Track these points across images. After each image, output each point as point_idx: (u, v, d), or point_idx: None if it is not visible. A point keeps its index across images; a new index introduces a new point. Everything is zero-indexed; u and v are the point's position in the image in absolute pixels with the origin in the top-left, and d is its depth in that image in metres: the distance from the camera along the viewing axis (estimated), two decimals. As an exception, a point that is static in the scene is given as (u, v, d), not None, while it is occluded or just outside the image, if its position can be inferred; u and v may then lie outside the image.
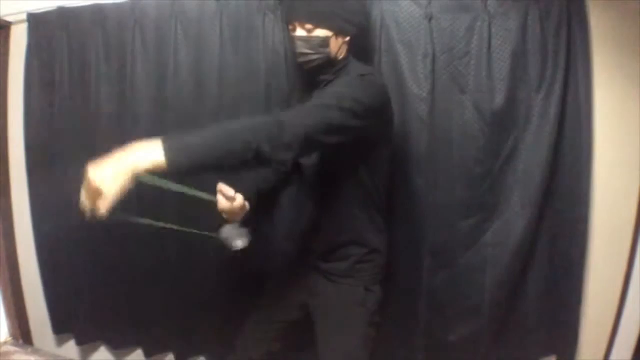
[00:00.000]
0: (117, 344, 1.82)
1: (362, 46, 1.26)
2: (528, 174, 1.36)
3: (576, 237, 1.39)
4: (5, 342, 1.86)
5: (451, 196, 1.40)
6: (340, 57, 1.16)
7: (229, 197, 1.08)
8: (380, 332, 1.21)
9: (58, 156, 1.68)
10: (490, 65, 1.33)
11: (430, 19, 1.33)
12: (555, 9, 1.30)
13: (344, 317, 1.16)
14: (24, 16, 1.66)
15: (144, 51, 1.54)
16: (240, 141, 0.85)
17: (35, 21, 1.65)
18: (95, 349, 1.90)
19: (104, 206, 0.75)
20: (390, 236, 1.25)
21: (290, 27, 1.13)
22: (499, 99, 1.34)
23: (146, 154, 0.77)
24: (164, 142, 0.78)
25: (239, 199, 1.10)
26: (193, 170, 0.82)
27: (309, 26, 1.09)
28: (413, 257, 1.44)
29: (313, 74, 1.16)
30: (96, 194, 0.74)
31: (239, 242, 1.11)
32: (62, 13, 1.61)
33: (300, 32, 1.10)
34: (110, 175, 0.75)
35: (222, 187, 1.08)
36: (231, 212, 1.10)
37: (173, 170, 0.79)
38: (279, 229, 1.50)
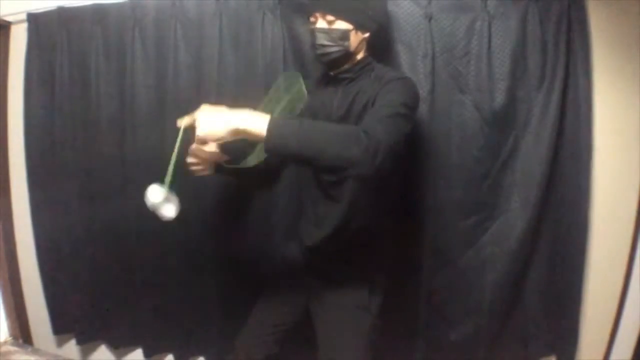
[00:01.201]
0: (117, 344, 1.82)
1: (380, 47, 1.25)
2: (528, 174, 1.36)
3: (576, 237, 1.39)
4: (5, 342, 1.85)
5: (451, 196, 1.40)
6: (359, 54, 1.15)
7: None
8: (380, 333, 1.20)
9: (58, 156, 1.67)
10: (490, 65, 1.33)
11: (430, 19, 1.34)
12: (555, 9, 1.30)
13: (347, 321, 1.15)
14: (24, 16, 1.66)
15: (144, 51, 1.54)
16: (335, 147, 0.86)
17: (35, 21, 1.65)
18: (95, 348, 1.90)
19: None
20: (390, 236, 1.25)
21: (312, 19, 1.13)
22: (499, 98, 1.34)
23: (254, 120, 0.85)
24: (271, 120, 0.85)
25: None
26: (283, 156, 0.91)
27: (330, 18, 1.09)
28: (413, 257, 1.44)
29: (330, 67, 1.16)
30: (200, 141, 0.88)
31: (167, 210, 1.01)
32: (62, 13, 1.61)
33: (321, 23, 1.10)
34: (216, 122, 0.85)
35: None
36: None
37: (268, 149, 0.86)
38: (280, 229, 1.50)
